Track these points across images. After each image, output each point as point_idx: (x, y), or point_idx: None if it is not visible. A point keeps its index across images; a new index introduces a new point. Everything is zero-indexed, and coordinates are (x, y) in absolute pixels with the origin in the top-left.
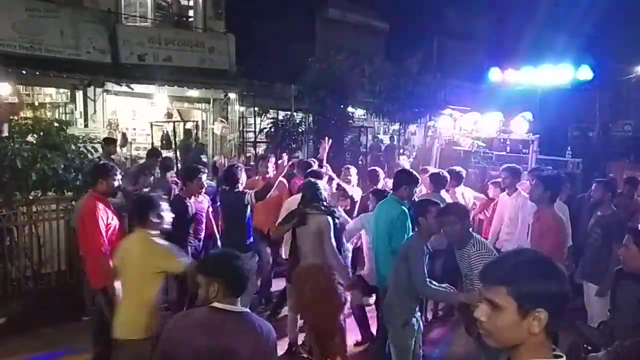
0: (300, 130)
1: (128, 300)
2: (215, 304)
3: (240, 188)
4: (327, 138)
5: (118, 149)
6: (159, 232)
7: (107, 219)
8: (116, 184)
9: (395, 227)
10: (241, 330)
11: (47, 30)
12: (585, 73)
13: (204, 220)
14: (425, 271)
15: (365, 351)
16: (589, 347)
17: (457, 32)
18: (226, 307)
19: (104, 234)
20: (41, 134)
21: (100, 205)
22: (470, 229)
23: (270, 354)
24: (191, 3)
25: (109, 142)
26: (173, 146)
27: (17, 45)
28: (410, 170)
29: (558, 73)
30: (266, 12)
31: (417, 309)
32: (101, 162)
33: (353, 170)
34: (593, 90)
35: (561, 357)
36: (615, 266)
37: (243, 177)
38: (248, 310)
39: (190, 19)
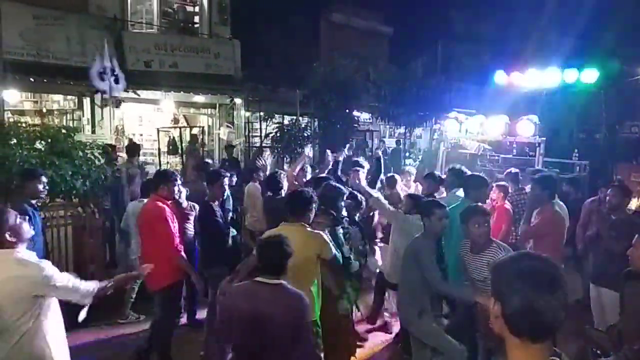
0: (305, 134)
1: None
2: (257, 279)
3: (283, 194)
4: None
5: (125, 154)
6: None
7: (172, 220)
8: (177, 189)
9: None
10: (275, 297)
11: (54, 38)
12: (591, 75)
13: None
14: (437, 268)
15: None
16: (598, 352)
17: (462, 35)
18: (264, 280)
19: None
20: (49, 140)
21: (167, 209)
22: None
23: (300, 318)
24: (197, 9)
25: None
26: (180, 151)
27: (24, 53)
28: (478, 174)
29: (564, 75)
30: (271, 18)
31: (429, 303)
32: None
33: (412, 170)
34: (599, 92)
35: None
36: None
37: (285, 184)
38: (283, 282)
39: (196, 25)
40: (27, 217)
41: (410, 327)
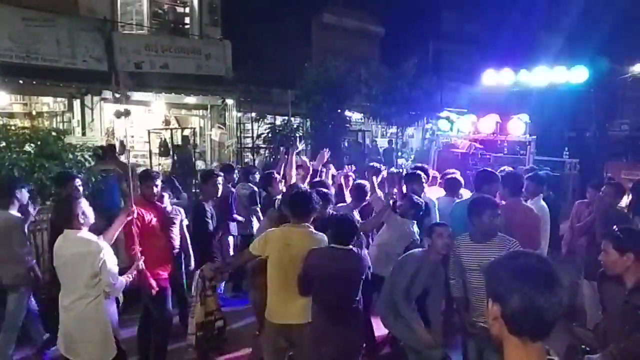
0: (297, 135)
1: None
2: (332, 245)
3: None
4: (326, 150)
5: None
6: None
7: (137, 222)
8: (156, 190)
9: None
10: (349, 259)
11: (44, 40)
12: (581, 74)
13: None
14: (406, 290)
15: None
16: (587, 349)
17: (453, 35)
18: (338, 246)
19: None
20: (38, 143)
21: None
22: None
23: (363, 272)
24: (187, 10)
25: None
26: (171, 153)
27: (13, 55)
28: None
29: (553, 74)
30: (262, 18)
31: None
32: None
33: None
34: (589, 90)
35: None
36: None
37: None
38: (352, 247)
39: (187, 26)
40: None
41: (388, 327)
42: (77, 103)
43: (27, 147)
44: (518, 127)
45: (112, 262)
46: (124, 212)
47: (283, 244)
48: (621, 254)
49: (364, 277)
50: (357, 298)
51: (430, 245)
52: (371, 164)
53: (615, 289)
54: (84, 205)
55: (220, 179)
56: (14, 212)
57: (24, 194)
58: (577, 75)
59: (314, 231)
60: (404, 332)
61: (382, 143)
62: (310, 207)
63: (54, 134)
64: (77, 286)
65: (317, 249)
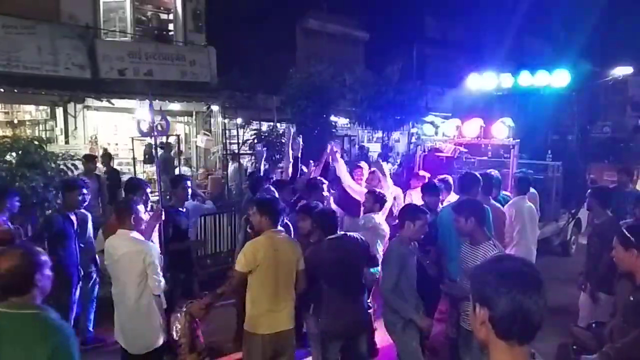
0: (283, 140)
1: (289, 293)
2: (329, 238)
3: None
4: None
5: (100, 164)
6: None
7: None
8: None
9: None
10: (349, 242)
11: (25, 47)
12: (563, 77)
13: None
14: (394, 279)
15: None
16: (578, 348)
17: (437, 39)
18: (335, 235)
19: None
20: (20, 152)
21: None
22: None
23: (364, 250)
24: (171, 17)
25: (89, 159)
26: (155, 160)
27: None
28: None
29: (536, 78)
30: (246, 24)
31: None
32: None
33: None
34: (571, 94)
35: None
36: (606, 270)
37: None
38: (344, 233)
39: (171, 33)
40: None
41: (392, 335)
42: (59, 111)
43: (8, 157)
44: (502, 130)
45: (158, 262)
46: (154, 215)
47: (272, 251)
48: (626, 249)
49: (368, 254)
50: (363, 275)
51: (405, 230)
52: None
53: (626, 285)
54: (140, 209)
55: (189, 183)
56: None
57: (14, 203)
58: (560, 78)
59: (288, 236)
60: (409, 349)
61: (374, 148)
62: (282, 212)
63: (35, 142)
64: (129, 282)
65: (318, 244)
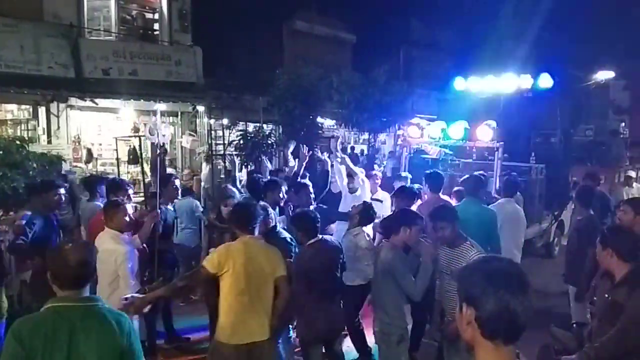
0: (269, 141)
1: (262, 303)
2: (309, 243)
3: None
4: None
5: (83, 164)
6: None
7: None
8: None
9: None
10: (328, 247)
11: (7, 46)
12: (546, 81)
13: None
14: (412, 280)
15: None
16: (559, 349)
17: (423, 42)
18: (313, 240)
19: None
20: (1, 152)
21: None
22: None
23: (340, 253)
24: (156, 16)
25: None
26: (140, 161)
27: None
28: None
29: (519, 81)
30: (233, 25)
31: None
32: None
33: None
34: (554, 97)
35: None
36: (590, 269)
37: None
38: (322, 237)
39: (156, 32)
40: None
41: (382, 345)
42: (42, 110)
43: None
44: (486, 133)
45: (131, 264)
46: (150, 215)
47: (246, 257)
48: (603, 248)
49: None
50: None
51: (399, 235)
52: None
53: (606, 285)
54: (128, 210)
55: (177, 182)
56: None
57: None
58: (543, 82)
59: (266, 243)
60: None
61: (357, 148)
62: (255, 218)
63: (17, 142)
64: (101, 280)
65: (301, 251)
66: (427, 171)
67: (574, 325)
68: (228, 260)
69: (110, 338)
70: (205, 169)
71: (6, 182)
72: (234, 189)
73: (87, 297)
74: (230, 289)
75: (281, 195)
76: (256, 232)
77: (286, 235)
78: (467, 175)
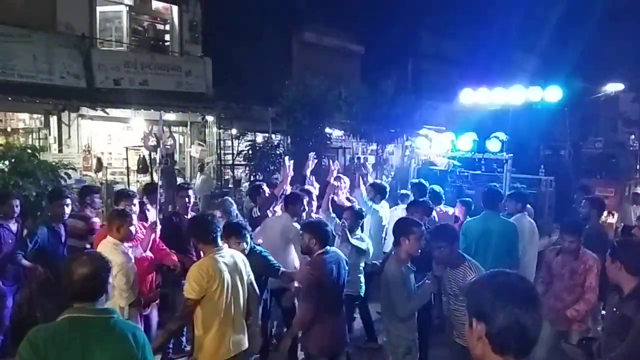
0: (278, 152)
1: (242, 313)
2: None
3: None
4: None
5: (93, 173)
6: None
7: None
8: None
9: None
10: (339, 257)
11: (20, 56)
12: (555, 93)
13: None
14: (405, 297)
15: None
16: None
17: (432, 54)
18: (322, 250)
19: None
20: (12, 160)
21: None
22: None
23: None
24: (167, 27)
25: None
26: (149, 170)
27: None
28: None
29: (529, 93)
30: (243, 36)
31: (416, 336)
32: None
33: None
34: (563, 109)
35: None
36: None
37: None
38: (329, 247)
39: (167, 43)
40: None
41: (390, 356)
42: (53, 119)
43: (1, 165)
44: (495, 145)
45: (128, 276)
46: (150, 226)
47: (230, 269)
48: (612, 261)
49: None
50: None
51: (401, 247)
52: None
53: (614, 299)
54: (133, 221)
55: (191, 192)
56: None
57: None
58: (552, 94)
59: (234, 251)
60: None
61: (369, 159)
62: (215, 230)
63: (28, 151)
64: None
65: (315, 259)
66: (486, 187)
67: (583, 341)
68: (209, 281)
69: (125, 351)
70: (198, 179)
71: (18, 191)
72: (233, 203)
73: (102, 309)
74: (214, 307)
75: (302, 207)
76: (219, 241)
77: (262, 249)
78: (485, 188)
